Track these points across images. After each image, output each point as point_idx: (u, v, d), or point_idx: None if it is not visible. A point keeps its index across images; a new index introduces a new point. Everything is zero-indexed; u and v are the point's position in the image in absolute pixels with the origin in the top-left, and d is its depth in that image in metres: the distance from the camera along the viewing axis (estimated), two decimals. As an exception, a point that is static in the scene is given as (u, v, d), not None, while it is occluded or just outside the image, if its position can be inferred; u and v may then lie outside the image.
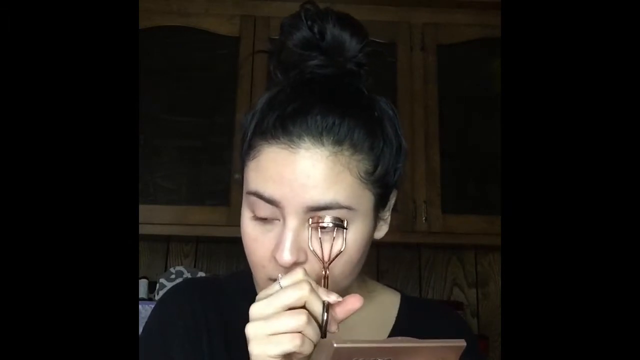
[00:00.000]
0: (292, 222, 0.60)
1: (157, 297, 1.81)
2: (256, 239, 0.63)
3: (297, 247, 0.60)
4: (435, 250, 2.03)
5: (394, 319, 0.74)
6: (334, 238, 0.60)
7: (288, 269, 0.59)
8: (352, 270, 0.64)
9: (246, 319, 0.59)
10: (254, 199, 0.62)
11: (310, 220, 0.60)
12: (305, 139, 0.60)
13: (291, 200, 0.59)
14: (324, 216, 0.60)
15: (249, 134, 0.65)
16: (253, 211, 0.63)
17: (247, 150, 0.65)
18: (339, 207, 0.60)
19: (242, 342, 0.60)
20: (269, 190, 0.61)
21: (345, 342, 0.49)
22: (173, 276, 1.83)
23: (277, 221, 0.62)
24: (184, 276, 1.83)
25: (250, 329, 0.54)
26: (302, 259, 0.60)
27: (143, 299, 1.79)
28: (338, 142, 0.60)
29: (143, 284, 1.83)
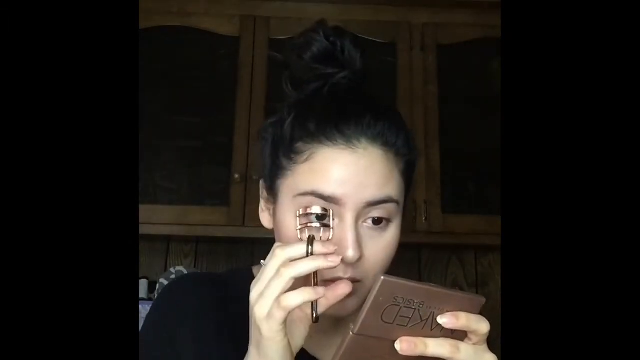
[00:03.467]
0: (351, 219, 0.64)
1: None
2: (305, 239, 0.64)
3: (359, 243, 0.64)
4: (435, 250, 2.03)
5: None
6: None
7: (351, 265, 0.63)
8: (384, 269, 0.68)
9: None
10: (309, 199, 0.64)
11: (300, 211, 0.64)
12: (363, 140, 0.65)
13: (352, 197, 0.63)
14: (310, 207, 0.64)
15: (287, 140, 0.67)
16: (304, 212, 0.64)
17: (291, 155, 0.67)
18: (392, 201, 0.65)
19: (247, 337, 0.64)
20: (330, 189, 0.64)
21: (392, 276, 0.53)
22: (173, 276, 1.83)
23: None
24: (184, 276, 1.83)
25: (256, 309, 0.58)
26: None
27: (143, 299, 1.79)
28: (388, 144, 0.66)
29: (143, 284, 1.83)
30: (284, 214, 0.67)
